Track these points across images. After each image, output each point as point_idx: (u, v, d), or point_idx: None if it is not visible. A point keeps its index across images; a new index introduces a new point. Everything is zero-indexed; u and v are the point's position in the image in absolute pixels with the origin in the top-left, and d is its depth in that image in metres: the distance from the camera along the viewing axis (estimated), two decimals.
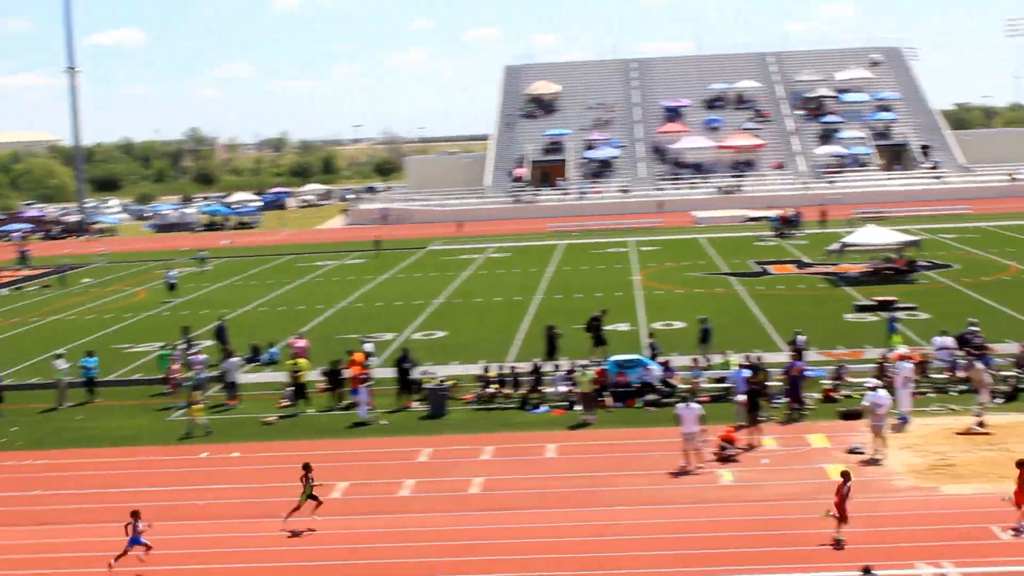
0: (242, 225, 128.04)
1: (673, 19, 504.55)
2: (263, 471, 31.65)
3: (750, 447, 31.42)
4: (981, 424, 32.18)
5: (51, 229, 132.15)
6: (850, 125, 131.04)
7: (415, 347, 45.87)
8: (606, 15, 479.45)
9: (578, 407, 35.95)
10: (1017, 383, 36.09)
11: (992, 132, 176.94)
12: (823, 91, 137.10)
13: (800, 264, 68.74)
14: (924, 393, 36.37)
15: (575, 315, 53.19)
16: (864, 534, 24.66)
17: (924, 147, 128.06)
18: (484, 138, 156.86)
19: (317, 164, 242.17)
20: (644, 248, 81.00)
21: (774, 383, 36.05)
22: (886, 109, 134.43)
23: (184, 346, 44.87)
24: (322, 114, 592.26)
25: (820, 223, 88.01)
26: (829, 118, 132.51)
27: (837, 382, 37.06)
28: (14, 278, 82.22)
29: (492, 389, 38.12)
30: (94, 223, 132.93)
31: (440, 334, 51.30)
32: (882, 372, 36.40)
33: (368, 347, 42.09)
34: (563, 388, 37.52)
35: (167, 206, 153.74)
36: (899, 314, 47.29)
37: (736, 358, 38.04)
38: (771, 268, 67.50)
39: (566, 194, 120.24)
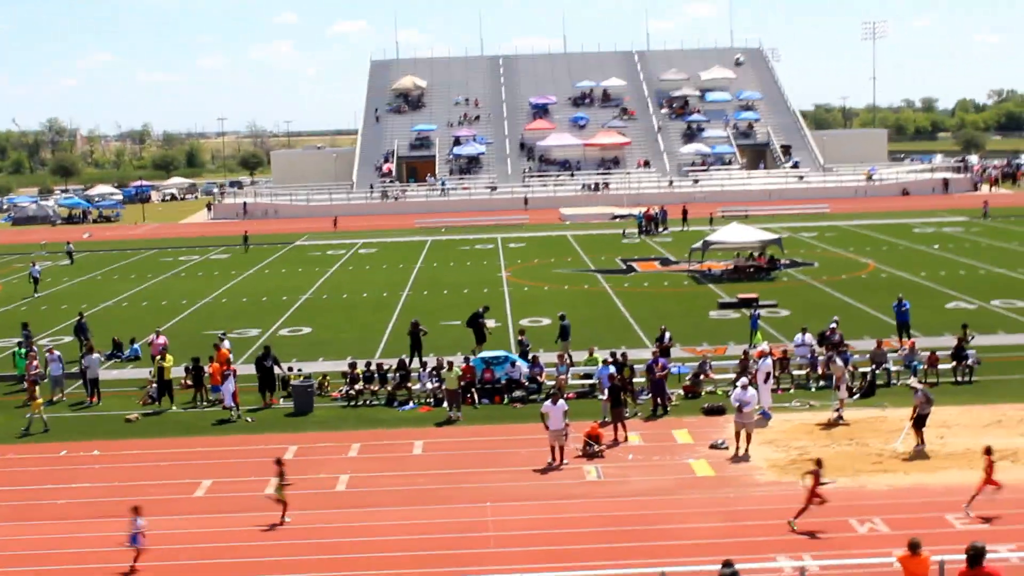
0: (103, 218, 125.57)
1: (540, 17, 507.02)
2: (124, 469, 31.08)
3: (615, 443, 31.74)
4: (840, 419, 32.96)
5: None
6: (714, 124, 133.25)
7: (281, 343, 45.52)
8: (474, 11, 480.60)
9: (445, 404, 35.97)
10: (873, 379, 37.00)
11: (850, 133, 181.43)
12: (688, 90, 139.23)
13: (665, 262, 69.60)
14: (785, 389, 37.14)
15: (443, 311, 53.41)
16: (725, 528, 25.08)
17: (785, 147, 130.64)
18: (351, 133, 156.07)
19: (181, 157, 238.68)
20: (511, 245, 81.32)
21: (639, 379, 36.48)
22: (749, 109, 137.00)
23: (25, 343, 43.47)
24: (186, 106, 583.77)
25: (683, 221, 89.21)
26: (693, 117, 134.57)
27: (699, 378, 37.58)
28: None
29: (359, 386, 37.93)
30: None
31: (306, 330, 50.90)
32: (744, 368, 37.04)
33: (226, 344, 41.49)
34: (430, 385, 37.49)
35: (25, 198, 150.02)
36: (761, 311, 48.14)
37: (602, 355, 38.35)
38: (637, 265, 68.22)
39: (433, 190, 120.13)
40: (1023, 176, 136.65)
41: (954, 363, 38.05)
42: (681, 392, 36.84)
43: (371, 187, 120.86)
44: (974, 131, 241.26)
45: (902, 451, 29.94)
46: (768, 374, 34.85)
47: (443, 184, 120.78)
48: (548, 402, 30.85)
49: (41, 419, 35.38)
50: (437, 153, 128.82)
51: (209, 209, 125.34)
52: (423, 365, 39.36)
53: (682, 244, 73.84)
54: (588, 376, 37.95)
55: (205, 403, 37.94)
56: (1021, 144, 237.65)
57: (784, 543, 24.15)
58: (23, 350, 41.87)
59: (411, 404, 37.09)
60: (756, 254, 64.12)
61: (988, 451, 25.64)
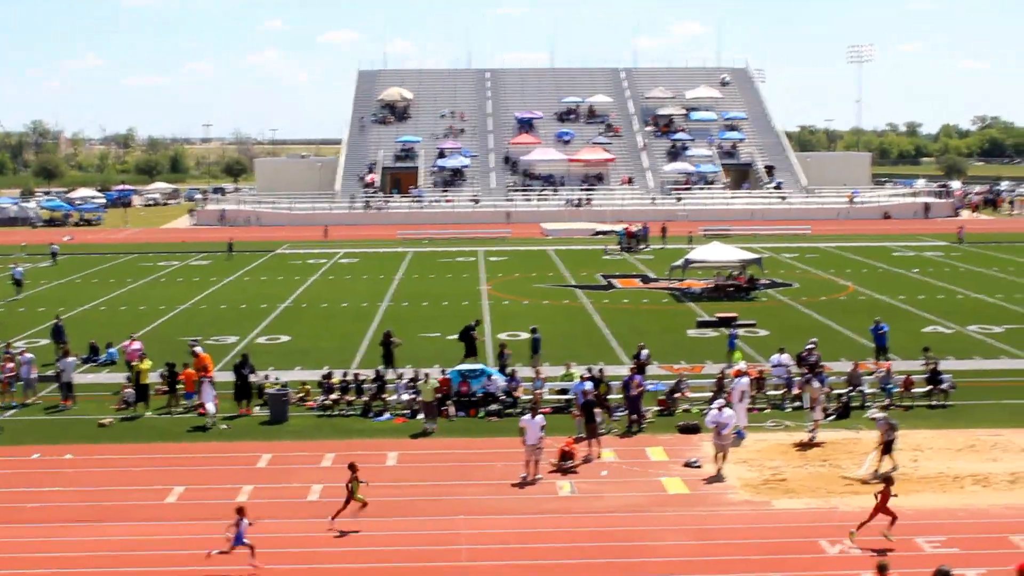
0: (85, 222, 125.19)
1: (528, 32, 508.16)
2: (97, 474, 30.97)
3: (589, 459, 31.75)
4: (814, 440, 33.04)
5: None
6: (698, 143, 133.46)
7: (258, 351, 45.43)
8: (462, 24, 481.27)
9: (420, 416, 35.93)
10: (849, 401, 37.10)
11: (834, 155, 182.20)
12: (673, 109, 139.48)
13: (645, 279, 69.69)
14: (760, 409, 37.21)
15: (422, 323, 53.42)
16: (697, 547, 25.11)
17: (769, 167, 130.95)
18: (336, 142, 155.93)
19: (165, 162, 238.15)
20: (493, 258, 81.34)
21: (615, 396, 36.51)
22: (733, 129, 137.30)
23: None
24: (171, 111, 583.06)
25: (662, 239, 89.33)
26: (678, 135, 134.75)
27: (675, 396, 37.61)
28: None
29: (335, 396, 37.88)
30: None
31: (285, 338, 50.81)
32: (721, 387, 37.10)
33: (197, 349, 41.17)
34: (406, 396, 37.44)
35: (6, 199, 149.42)
36: (739, 330, 48.24)
37: (579, 370, 38.37)
38: (617, 282, 68.30)
39: (417, 202, 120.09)
40: (1003, 202, 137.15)
41: (929, 387, 38.18)
42: (656, 409, 36.87)
43: (352, 197, 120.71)
44: (957, 157, 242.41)
45: (865, 476, 29.99)
46: (743, 393, 34.93)
47: (420, 195, 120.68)
48: (527, 416, 30.86)
49: None
50: (421, 165, 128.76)
51: (191, 215, 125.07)
52: (399, 376, 39.27)
53: (663, 261, 73.95)
54: (564, 391, 37.93)
55: (180, 409, 37.85)
56: (1003, 171, 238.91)
57: (755, 563, 24.19)
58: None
59: (387, 415, 37.04)
60: (736, 273, 64.25)
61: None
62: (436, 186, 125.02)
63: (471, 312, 56.66)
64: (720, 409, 31.19)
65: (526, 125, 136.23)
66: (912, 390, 38.13)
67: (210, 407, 36.06)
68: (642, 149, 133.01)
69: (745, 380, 35.62)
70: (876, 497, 25.40)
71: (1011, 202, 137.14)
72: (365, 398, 37.79)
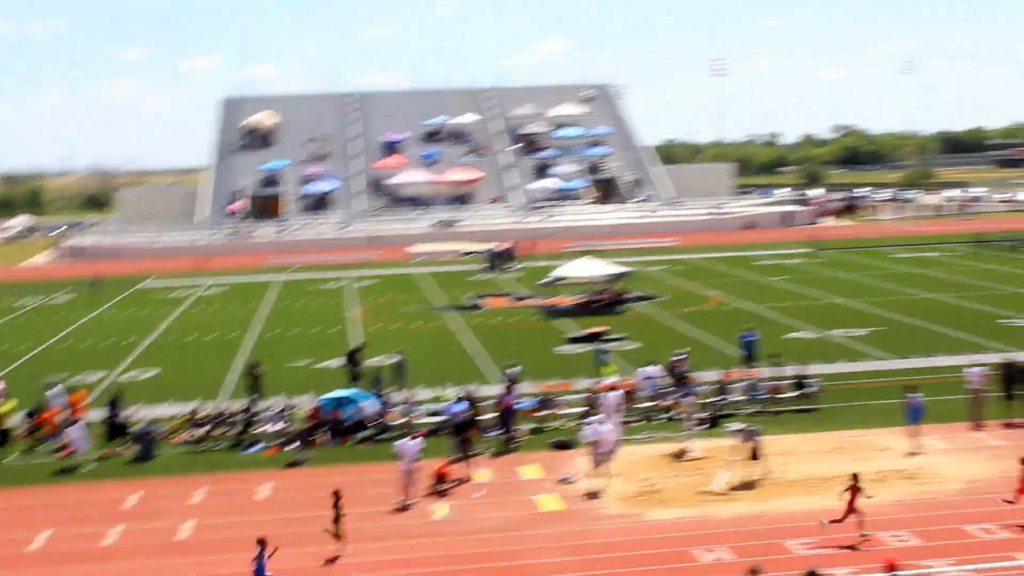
0: None
1: (392, 53, 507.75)
2: None
3: (463, 480, 31.66)
4: (686, 450, 33.36)
5: None
6: (564, 160, 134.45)
7: (126, 387, 44.53)
8: (326, 48, 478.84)
9: (292, 445, 35.51)
10: (718, 410, 37.56)
11: (698, 168, 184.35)
12: (538, 126, 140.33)
13: (515, 297, 69.85)
14: (632, 421, 37.46)
15: (292, 351, 52.88)
16: (573, 562, 25.17)
17: (635, 181, 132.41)
18: (201, 170, 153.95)
19: (23, 196, 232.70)
20: (361, 283, 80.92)
21: (488, 416, 36.49)
22: (599, 144, 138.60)
23: None
24: (27, 144, 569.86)
25: (530, 256, 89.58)
26: (544, 153, 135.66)
27: (546, 412, 37.71)
28: None
29: (204, 429, 37.27)
30: None
31: (151, 373, 49.91)
32: (592, 402, 37.29)
33: (56, 391, 40.06)
34: (277, 426, 37.00)
35: None
36: (609, 345, 48.61)
37: (451, 392, 38.28)
38: (487, 301, 68.36)
39: (284, 228, 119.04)
40: (862, 208, 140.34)
41: (797, 392, 38.83)
42: (530, 427, 36.93)
43: (218, 226, 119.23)
44: (817, 165, 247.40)
45: (727, 483, 30.42)
46: (615, 407, 35.14)
47: (284, 221, 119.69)
48: (403, 440, 30.69)
49: None
50: (287, 190, 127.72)
51: (51, 251, 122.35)
52: (263, 408, 38.68)
53: (532, 279, 74.22)
54: (437, 414, 37.78)
55: (43, 451, 36.88)
56: (862, 178, 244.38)
57: (631, 575, 24.33)
58: None
59: (258, 446, 36.55)
60: (605, 288, 64.71)
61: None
62: (303, 211, 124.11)
63: (341, 338, 56.32)
64: (600, 423, 31.36)
65: (392, 147, 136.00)
66: (780, 396, 38.75)
67: (81, 447, 35.19)
68: (509, 168, 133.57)
69: (616, 394, 35.85)
70: (845, 494, 26.08)
71: (870, 207, 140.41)
72: (235, 430, 37.26)
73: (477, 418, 35.38)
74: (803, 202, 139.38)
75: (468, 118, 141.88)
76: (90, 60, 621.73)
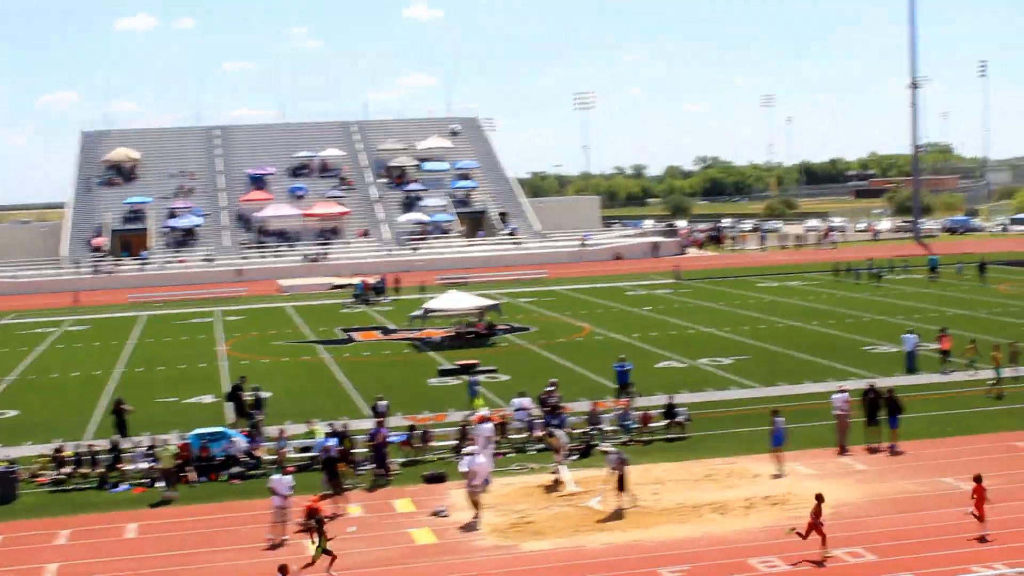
0: None
1: (257, 87, 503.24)
2: None
3: (335, 515, 31.35)
4: (558, 481, 33.47)
5: None
6: (432, 193, 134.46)
7: None
8: (188, 82, 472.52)
9: (160, 484, 34.84)
10: (590, 440, 37.78)
11: (565, 200, 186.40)
12: (405, 160, 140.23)
13: (385, 330, 69.61)
14: (504, 453, 37.49)
15: (158, 388, 51.99)
16: None
17: (503, 214, 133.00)
18: (61, 206, 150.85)
19: None
20: (230, 318, 79.82)
21: (360, 450, 36.26)
22: (466, 177, 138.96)
23: None
24: None
25: (395, 290, 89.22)
26: (412, 186, 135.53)
27: (419, 445, 37.57)
28: None
29: (68, 469, 36.38)
30: None
31: (12, 413, 48.59)
32: (465, 434, 37.28)
33: None
34: (144, 465, 36.28)
35: None
36: (480, 377, 48.63)
37: (322, 426, 37.95)
38: (357, 335, 68.01)
39: (148, 264, 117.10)
40: (726, 239, 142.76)
41: (666, 421, 39.25)
42: (402, 461, 36.75)
43: (78, 262, 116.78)
44: (682, 196, 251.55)
45: (599, 509, 30.68)
46: (488, 439, 35.13)
47: (146, 258, 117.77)
48: (276, 475, 30.33)
49: None
50: (152, 226, 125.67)
51: None
52: (129, 446, 37.94)
53: (402, 312, 74.00)
54: (308, 449, 37.42)
55: None
56: (725, 208, 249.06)
57: None
58: None
59: (124, 486, 35.79)
60: (475, 320, 64.82)
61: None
62: (168, 247, 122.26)
63: (209, 374, 55.57)
64: (472, 455, 31.32)
65: (258, 182, 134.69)
66: (650, 425, 39.13)
67: None
68: (376, 201, 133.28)
69: (488, 426, 35.86)
70: (810, 517, 26.39)
71: (733, 238, 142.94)
72: (100, 469, 36.44)
73: (349, 452, 35.15)
74: (669, 233, 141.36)
75: (335, 152, 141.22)
76: None
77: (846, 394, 37.17)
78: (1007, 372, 44.95)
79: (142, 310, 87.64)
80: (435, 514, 31.13)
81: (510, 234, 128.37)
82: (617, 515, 30.15)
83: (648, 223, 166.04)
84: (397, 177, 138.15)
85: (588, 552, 27.50)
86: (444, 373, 52.84)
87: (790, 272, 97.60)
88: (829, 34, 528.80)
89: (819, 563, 25.85)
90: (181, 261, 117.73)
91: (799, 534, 26.41)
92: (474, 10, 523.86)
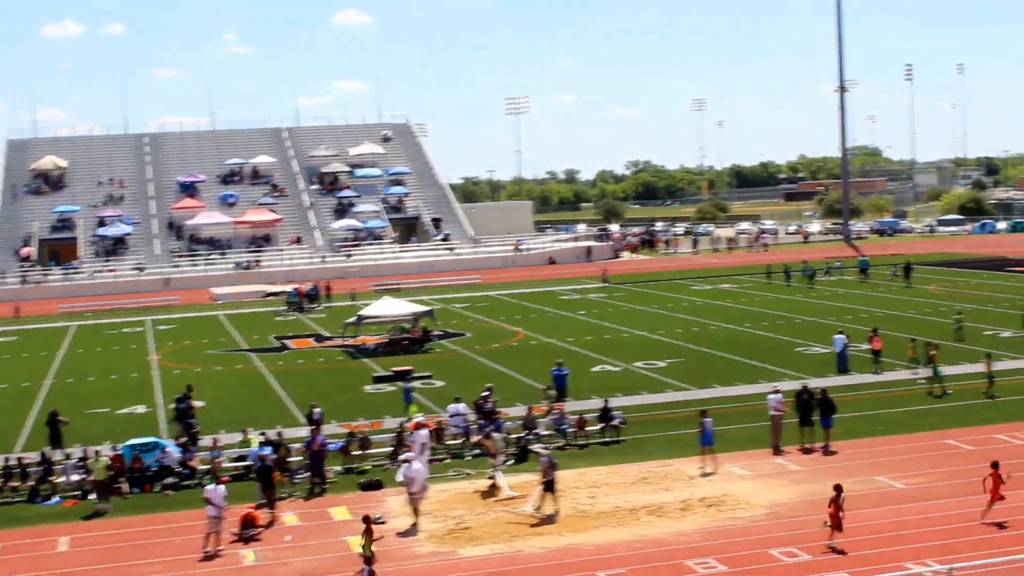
0: None
1: (186, 94, 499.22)
2: None
3: (271, 524, 31.14)
4: (495, 487, 33.45)
5: None
6: (365, 199, 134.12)
7: None
8: (116, 89, 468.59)
9: (92, 496, 34.43)
10: (526, 444, 37.79)
11: (498, 205, 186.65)
12: (337, 166, 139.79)
13: (319, 338, 69.27)
14: (441, 459, 37.43)
15: (89, 399, 51.41)
16: None
17: (435, 220, 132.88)
18: None
19: None
20: (161, 327, 79.05)
21: (295, 458, 36.06)
22: (399, 183, 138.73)
23: None
24: None
25: (327, 297, 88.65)
26: (344, 193, 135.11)
27: (355, 453, 37.39)
28: None
29: None
30: None
31: None
32: (400, 441, 37.18)
33: None
34: (76, 477, 35.82)
35: None
36: (415, 383, 48.55)
37: (256, 435, 37.69)
38: (291, 343, 67.63)
39: (77, 273, 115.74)
40: (659, 242, 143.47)
41: (601, 425, 39.36)
42: (338, 468, 36.57)
43: (4, 273, 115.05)
44: (614, 201, 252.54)
45: (530, 512, 30.72)
46: (424, 445, 35.04)
47: (74, 266, 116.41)
48: (210, 486, 30.06)
49: None
50: (81, 235, 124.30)
51: None
52: (67, 456, 37.56)
53: (336, 319, 73.65)
54: (243, 458, 37.13)
55: None
56: (658, 212, 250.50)
57: None
58: None
59: (56, 498, 35.32)
60: (409, 326, 64.69)
61: (995, 465, 27.91)
62: (98, 256, 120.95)
63: (141, 384, 55.06)
64: (409, 462, 31.24)
65: (189, 189, 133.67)
66: (586, 429, 39.22)
67: None
68: (309, 208, 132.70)
69: (424, 432, 35.78)
70: (831, 507, 26.88)
71: (666, 242, 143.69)
72: (31, 482, 35.94)
73: (284, 461, 34.94)
74: (602, 237, 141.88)
75: (266, 158, 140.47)
76: None
77: (780, 395, 37.49)
78: (924, 372, 45.73)
79: (72, 320, 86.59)
80: (373, 521, 30.95)
81: (443, 240, 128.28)
82: (550, 520, 30.17)
83: (581, 227, 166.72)
84: (329, 183, 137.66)
85: (525, 557, 27.51)
86: (379, 380, 52.68)
87: (722, 275, 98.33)
88: (758, 39, 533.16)
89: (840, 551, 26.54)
90: (111, 270, 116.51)
91: (833, 527, 26.91)
92: (404, 16, 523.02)
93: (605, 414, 39.57)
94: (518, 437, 38.29)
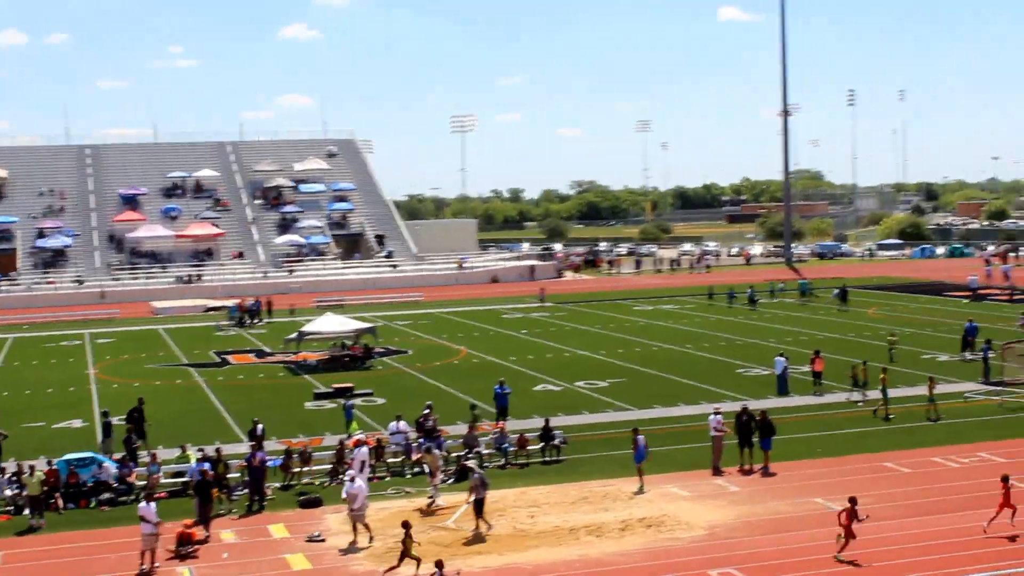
0: None
1: (129, 106, 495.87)
2: None
3: (206, 541, 30.84)
4: (434, 504, 33.36)
5: None
6: (308, 215, 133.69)
7: None
8: (59, 99, 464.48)
9: (26, 511, 33.94)
10: (465, 463, 37.67)
11: (442, 223, 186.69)
12: (281, 181, 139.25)
13: (260, 353, 68.86)
14: (381, 477, 37.27)
15: (25, 413, 50.81)
16: None
17: (379, 236, 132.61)
18: None
19: None
20: (100, 340, 78.24)
21: (233, 474, 35.78)
22: (343, 199, 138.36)
23: None
24: None
25: (268, 312, 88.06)
26: (288, 208, 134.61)
27: (295, 470, 37.16)
28: None
29: None
30: None
31: None
32: (340, 458, 37.01)
33: None
34: (9, 492, 35.32)
35: None
36: (356, 400, 48.36)
37: (195, 450, 37.35)
38: (231, 358, 67.17)
39: (15, 285, 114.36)
40: (602, 262, 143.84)
41: (542, 444, 39.35)
42: (278, 485, 36.32)
43: None
44: (558, 220, 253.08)
45: (454, 527, 30.70)
46: (364, 463, 34.88)
47: (4, 280, 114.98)
48: (142, 503, 29.72)
49: None
50: (19, 246, 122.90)
51: None
52: (1, 471, 37.03)
53: (277, 335, 73.22)
54: (181, 474, 36.78)
55: None
56: (601, 232, 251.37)
57: None
58: None
59: None
60: (351, 343, 64.44)
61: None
62: (37, 267, 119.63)
63: (80, 398, 54.45)
64: (352, 480, 31.08)
65: (131, 202, 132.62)
66: (527, 448, 39.20)
67: None
68: (252, 223, 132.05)
69: (364, 449, 35.62)
70: (840, 518, 27.56)
71: (609, 262, 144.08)
72: None
73: (223, 477, 34.65)
74: (546, 256, 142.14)
75: (210, 172, 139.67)
76: None
77: (720, 416, 37.65)
78: (870, 395, 46.16)
79: (9, 332, 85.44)
80: (310, 539, 30.79)
81: (387, 257, 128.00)
82: (478, 539, 30.11)
83: (525, 246, 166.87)
84: (273, 198, 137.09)
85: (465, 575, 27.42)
86: (320, 396, 52.42)
87: (665, 296, 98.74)
88: (704, 61, 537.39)
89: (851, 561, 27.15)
90: (50, 282, 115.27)
91: (849, 530, 27.57)
92: (353, 32, 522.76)
93: (546, 433, 39.55)
94: (458, 456, 38.19)
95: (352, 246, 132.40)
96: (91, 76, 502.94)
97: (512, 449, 39.11)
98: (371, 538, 30.23)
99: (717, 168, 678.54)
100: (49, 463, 36.70)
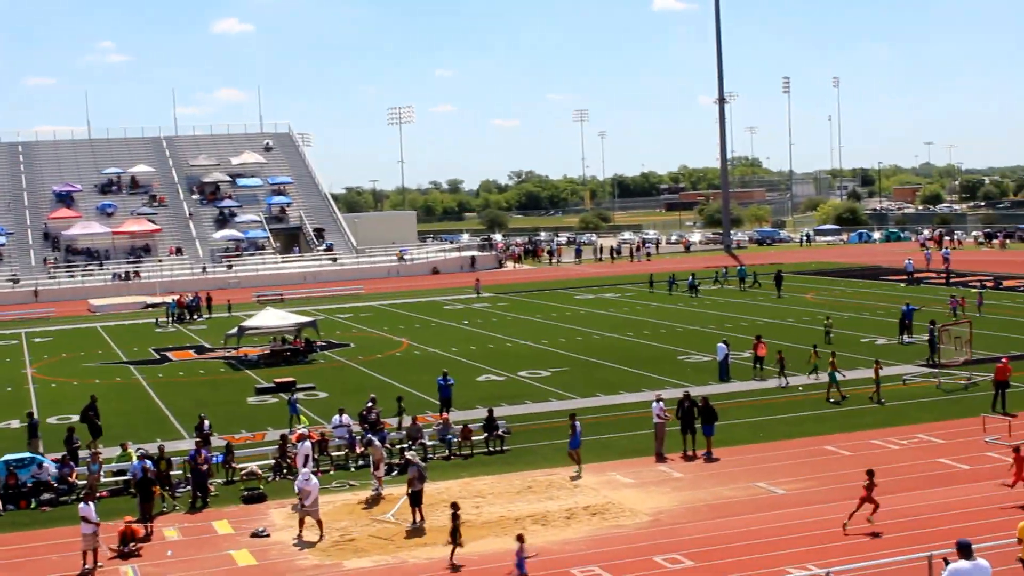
0: None
1: (61, 101, 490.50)
2: None
3: (149, 538, 30.62)
4: (379, 497, 33.32)
5: None
6: (246, 209, 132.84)
7: None
8: None
9: None
10: (407, 455, 37.62)
11: (381, 215, 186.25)
12: (218, 175, 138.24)
13: (200, 349, 68.39)
14: (325, 471, 37.15)
15: None
16: None
17: (318, 230, 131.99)
18: None
19: None
20: (37, 340, 77.32)
21: (176, 471, 35.55)
22: (281, 193, 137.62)
23: None
24: None
25: (207, 308, 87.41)
26: (225, 202, 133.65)
27: (238, 465, 36.97)
28: None
29: None
30: None
31: None
32: (284, 453, 36.87)
33: None
34: None
35: None
36: (299, 394, 48.17)
37: (134, 449, 37.06)
38: (171, 355, 66.66)
39: None
40: (543, 252, 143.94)
41: (486, 434, 39.39)
42: (221, 481, 36.13)
43: None
44: (497, 211, 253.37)
45: (394, 521, 30.73)
46: (307, 457, 34.79)
47: None
48: (82, 503, 29.42)
49: None
50: None
51: None
52: None
53: (217, 331, 72.74)
54: (123, 472, 36.47)
55: None
56: (541, 222, 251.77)
57: None
58: None
59: None
60: (292, 337, 64.14)
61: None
62: None
63: (15, 398, 53.83)
64: (306, 477, 30.96)
65: (65, 199, 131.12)
66: (471, 438, 39.23)
67: None
68: (189, 218, 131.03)
69: (308, 444, 35.54)
70: (863, 489, 28.26)
71: (550, 252, 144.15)
72: None
73: (165, 474, 34.42)
74: (486, 247, 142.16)
75: (145, 168, 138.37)
76: None
77: (662, 403, 37.85)
78: (782, 382, 47.25)
79: None
80: (255, 535, 30.65)
81: (326, 250, 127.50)
82: (417, 531, 30.10)
83: (465, 237, 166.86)
84: (210, 193, 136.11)
85: (411, 568, 27.41)
86: (262, 392, 52.15)
87: (605, 284, 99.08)
88: (639, 50, 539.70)
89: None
90: None
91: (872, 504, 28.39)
92: (286, 24, 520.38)
93: (490, 424, 39.60)
94: (402, 448, 38.14)
95: (291, 240, 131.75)
96: (20, 73, 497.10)
97: (456, 440, 39.13)
98: (321, 535, 30.11)
99: (655, 156, 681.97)
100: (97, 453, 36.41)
